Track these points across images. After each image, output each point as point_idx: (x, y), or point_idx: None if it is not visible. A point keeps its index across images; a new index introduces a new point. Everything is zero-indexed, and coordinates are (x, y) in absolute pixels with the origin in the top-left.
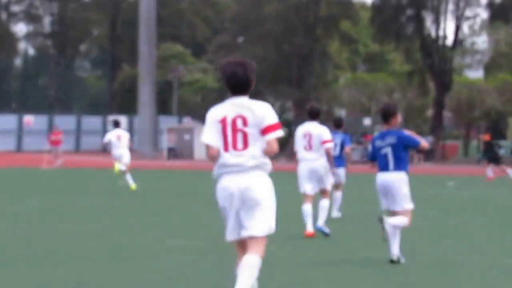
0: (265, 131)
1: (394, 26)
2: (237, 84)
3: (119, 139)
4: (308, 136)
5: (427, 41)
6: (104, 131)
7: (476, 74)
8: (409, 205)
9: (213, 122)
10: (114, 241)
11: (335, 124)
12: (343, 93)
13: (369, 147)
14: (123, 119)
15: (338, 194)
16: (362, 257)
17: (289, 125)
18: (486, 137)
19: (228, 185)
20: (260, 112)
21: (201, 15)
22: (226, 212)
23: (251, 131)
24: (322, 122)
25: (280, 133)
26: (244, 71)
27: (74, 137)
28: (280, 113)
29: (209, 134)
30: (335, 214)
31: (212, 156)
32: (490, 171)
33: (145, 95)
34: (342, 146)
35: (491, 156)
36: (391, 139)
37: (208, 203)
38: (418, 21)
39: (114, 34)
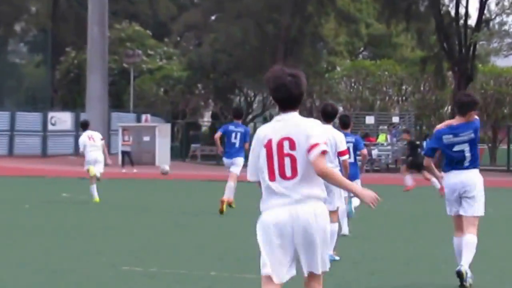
0: (308, 151)
1: (404, 2)
2: (286, 98)
3: (91, 139)
4: None
5: (444, 21)
6: (45, 131)
7: (505, 62)
8: (482, 210)
9: (257, 146)
10: (55, 267)
11: (342, 124)
12: (340, 84)
13: (426, 142)
14: (67, 116)
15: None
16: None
17: None
18: (405, 136)
19: (278, 219)
20: (306, 131)
21: None
22: (273, 248)
23: (300, 154)
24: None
25: (322, 147)
26: (295, 83)
27: (7, 138)
28: (262, 110)
29: (251, 166)
30: (345, 230)
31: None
32: (409, 178)
33: (95, 86)
34: (354, 151)
35: (413, 160)
36: (468, 135)
37: (171, 221)
38: None
39: (56, 11)
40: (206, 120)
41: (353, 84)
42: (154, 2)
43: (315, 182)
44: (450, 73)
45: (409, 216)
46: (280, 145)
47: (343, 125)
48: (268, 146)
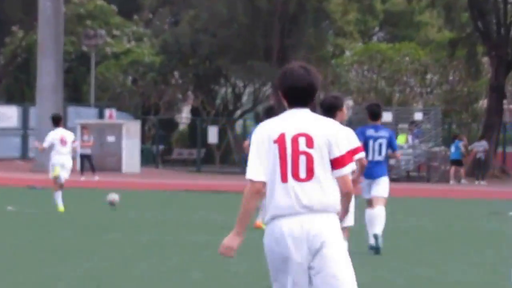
0: (336, 163)
1: None
2: (299, 92)
3: (63, 142)
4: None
5: None
6: None
7: None
8: None
9: (264, 142)
10: None
11: (372, 114)
12: (350, 73)
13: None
14: (13, 111)
15: (380, 211)
16: None
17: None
18: None
19: (287, 232)
20: (329, 130)
21: None
22: (281, 271)
23: (318, 154)
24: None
25: (352, 166)
26: (309, 77)
27: None
28: (253, 104)
29: (255, 162)
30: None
31: (253, 192)
32: None
33: (48, 74)
34: (387, 149)
35: None
36: None
37: (140, 241)
38: None
39: None
40: (184, 116)
41: (365, 73)
42: None
43: (331, 188)
44: (485, 59)
45: (433, 234)
46: (295, 140)
47: (374, 116)
48: (281, 141)
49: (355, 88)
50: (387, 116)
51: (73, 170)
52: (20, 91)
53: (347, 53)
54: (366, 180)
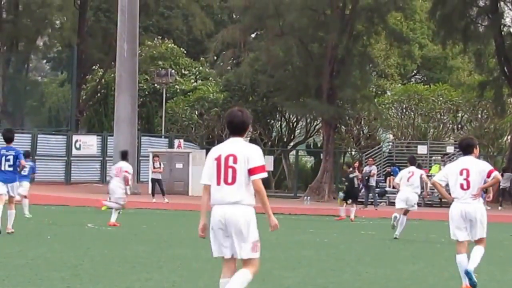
0: (250, 172)
1: (462, 22)
2: (235, 126)
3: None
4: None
5: (505, 42)
6: (69, 155)
7: None
8: None
9: (209, 160)
10: None
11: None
12: (391, 110)
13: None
14: (93, 140)
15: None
16: None
17: (317, 154)
18: (345, 168)
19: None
20: (248, 151)
21: (201, 3)
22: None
23: (240, 167)
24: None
25: (264, 175)
26: (242, 116)
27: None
28: (305, 136)
29: (205, 172)
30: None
31: (204, 191)
32: (342, 210)
33: (124, 108)
34: None
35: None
36: None
37: (206, 257)
38: (494, 15)
39: (83, 25)
40: None
41: (404, 110)
42: (189, 17)
43: (247, 189)
44: (510, 99)
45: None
46: (226, 159)
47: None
48: (218, 160)
49: (395, 124)
50: (422, 149)
51: (145, 193)
52: (99, 123)
53: (388, 92)
54: None
